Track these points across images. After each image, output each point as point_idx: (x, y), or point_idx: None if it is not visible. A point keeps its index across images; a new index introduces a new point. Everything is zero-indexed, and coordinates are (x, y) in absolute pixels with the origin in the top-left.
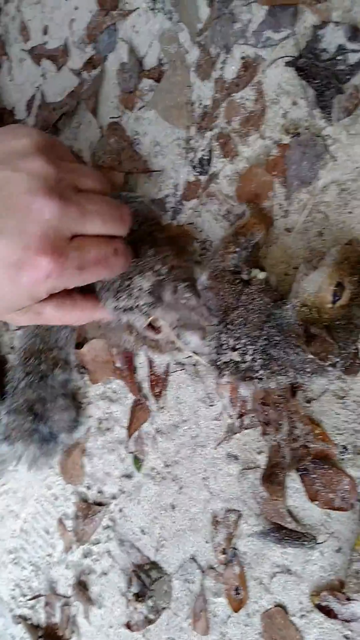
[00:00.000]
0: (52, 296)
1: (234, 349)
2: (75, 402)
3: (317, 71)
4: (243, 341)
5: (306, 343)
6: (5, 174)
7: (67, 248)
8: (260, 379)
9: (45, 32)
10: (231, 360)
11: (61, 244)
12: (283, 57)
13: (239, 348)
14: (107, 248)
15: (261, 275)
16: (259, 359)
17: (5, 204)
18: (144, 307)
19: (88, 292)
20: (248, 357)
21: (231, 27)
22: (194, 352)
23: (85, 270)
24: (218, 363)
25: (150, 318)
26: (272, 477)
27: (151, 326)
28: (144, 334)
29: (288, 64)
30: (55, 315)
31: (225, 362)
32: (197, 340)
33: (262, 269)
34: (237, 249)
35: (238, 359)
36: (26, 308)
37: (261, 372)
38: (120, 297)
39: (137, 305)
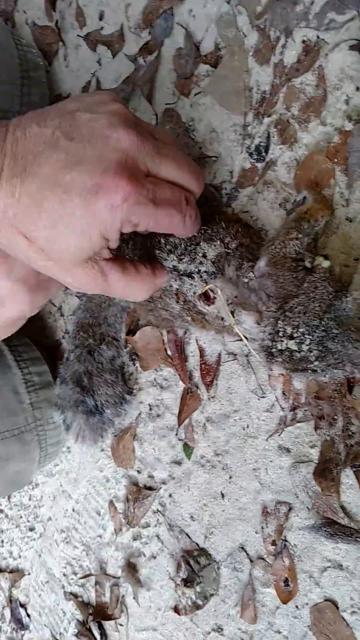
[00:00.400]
0: (117, 260)
1: (291, 337)
2: (123, 379)
3: None
4: (301, 330)
5: None
6: (88, 116)
7: (144, 179)
8: (315, 370)
9: (101, 17)
10: (287, 348)
11: (138, 173)
12: (347, 40)
13: (297, 337)
14: (181, 194)
15: (325, 263)
16: (315, 349)
17: (87, 138)
18: (204, 274)
19: (150, 264)
20: (305, 347)
21: (292, 10)
22: (244, 336)
23: (160, 207)
24: (272, 350)
25: (208, 286)
26: (325, 473)
27: (204, 296)
28: (193, 303)
29: (352, 47)
30: (119, 282)
31: (280, 350)
32: (252, 323)
33: (326, 258)
34: (300, 235)
35: (295, 347)
36: (93, 263)
37: (316, 363)
38: (182, 259)
39: (198, 270)
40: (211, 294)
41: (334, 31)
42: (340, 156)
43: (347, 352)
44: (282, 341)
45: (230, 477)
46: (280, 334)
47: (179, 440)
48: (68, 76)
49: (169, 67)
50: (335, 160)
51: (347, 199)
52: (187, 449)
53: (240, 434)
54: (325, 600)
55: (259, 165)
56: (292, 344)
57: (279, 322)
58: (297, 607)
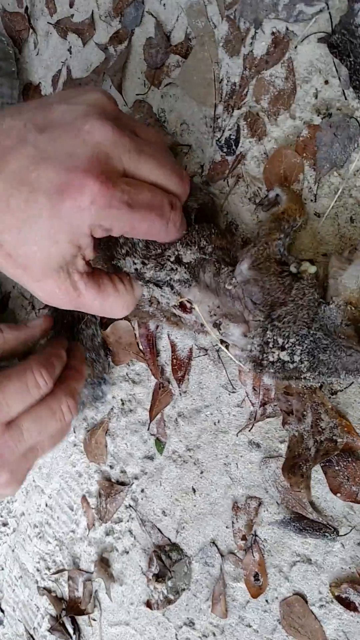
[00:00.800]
0: (94, 274)
1: (282, 348)
2: (102, 358)
3: (351, 48)
4: (292, 340)
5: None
6: (65, 107)
7: (118, 178)
8: (307, 379)
9: (71, 4)
10: (279, 359)
11: (111, 171)
12: (316, 32)
13: (288, 347)
14: (164, 198)
15: (312, 269)
16: (307, 360)
17: (59, 130)
18: (176, 284)
19: (129, 277)
20: (296, 357)
21: (262, 0)
22: (227, 346)
23: (137, 211)
24: (263, 362)
25: (183, 299)
26: (294, 469)
27: (181, 305)
28: (169, 309)
29: (320, 40)
30: (95, 301)
31: (271, 362)
32: (239, 335)
33: (312, 263)
34: (282, 236)
35: (287, 358)
36: (65, 275)
37: (308, 374)
38: (146, 264)
39: (169, 279)
40: (187, 304)
41: (303, 23)
42: (308, 150)
43: (341, 360)
44: (273, 352)
45: (202, 472)
46: (271, 344)
47: (151, 435)
48: (38, 65)
49: (139, 56)
50: (304, 154)
51: (315, 194)
52: (159, 444)
53: (212, 429)
54: (295, 594)
55: (229, 158)
56: (284, 355)
57: (268, 332)
58: (267, 601)
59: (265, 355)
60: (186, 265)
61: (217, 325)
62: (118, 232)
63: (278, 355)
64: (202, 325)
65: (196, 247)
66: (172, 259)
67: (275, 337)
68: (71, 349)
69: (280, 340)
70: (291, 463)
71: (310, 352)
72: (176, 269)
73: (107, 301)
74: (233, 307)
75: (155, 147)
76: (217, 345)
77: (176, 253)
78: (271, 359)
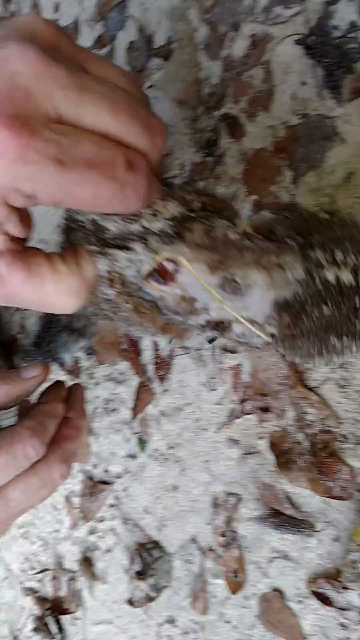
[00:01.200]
0: (21, 254)
1: (336, 263)
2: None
3: (327, 50)
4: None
5: None
6: None
7: (43, 126)
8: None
9: (56, 9)
10: (337, 279)
11: (31, 113)
12: (292, 34)
13: (351, 262)
14: (116, 151)
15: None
16: None
17: None
18: (153, 239)
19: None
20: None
21: (240, 4)
22: (249, 320)
23: (71, 169)
24: (313, 291)
25: (164, 255)
26: (289, 464)
27: (158, 272)
28: (137, 286)
29: (297, 42)
30: (25, 287)
31: (326, 285)
32: (264, 287)
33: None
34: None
35: (350, 277)
36: None
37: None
38: (115, 219)
39: (144, 233)
40: (170, 267)
41: (281, 25)
42: (286, 151)
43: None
44: (329, 270)
45: (183, 470)
46: (323, 261)
47: (134, 434)
48: None
49: (122, 60)
50: (282, 155)
51: (293, 194)
52: (142, 443)
53: (192, 426)
54: (273, 590)
55: (209, 159)
56: (344, 274)
57: (311, 253)
58: (246, 597)
59: (316, 278)
60: (168, 219)
61: (228, 283)
62: (48, 199)
63: (336, 273)
64: (191, 301)
65: (177, 202)
66: (148, 211)
67: (325, 256)
68: (71, 397)
69: (339, 255)
70: (284, 459)
71: None
72: (153, 220)
73: (43, 287)
74: (242, 258)
75: (113, 87)
76: (229, 313)
77: (156, 207)
78: (329, 277)
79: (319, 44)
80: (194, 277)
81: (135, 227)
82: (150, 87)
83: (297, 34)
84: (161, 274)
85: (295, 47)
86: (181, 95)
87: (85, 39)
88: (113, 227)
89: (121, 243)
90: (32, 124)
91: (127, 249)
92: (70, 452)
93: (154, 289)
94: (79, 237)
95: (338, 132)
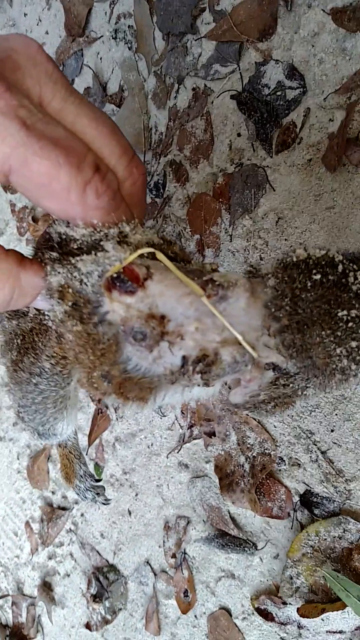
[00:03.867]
0: None
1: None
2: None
3: (257, 105)
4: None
5: None
6: None
7: (23, 96)
8: None
9: None
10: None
11: (15, 84)
12: (229, 90)
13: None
14: (86, 151)
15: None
16: None
17: None
18: (128, 242)
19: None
20: None
21: (184, 59)
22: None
23: (33, 135)
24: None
25: (141, 250)
26: (232, 486)
27: (127, 274)
28: (92, 300)
29: (232, 97)
30: None
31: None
32: (247, 307)
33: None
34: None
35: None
36: None
37: None
38: (84, 227)
39: (123, 237)
40: (141, 272)
41: (219, 81)
42: (224, 196)
43: None
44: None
45: (137, 495)
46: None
47: (90, 460)
48: None
49: None
50: (220, 199)
51: (230, 235)
52: (98, 468)
53: (146, 452)
54: (220, 608)
55: (158, 200)
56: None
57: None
58: (196, 616)
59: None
60: (148, 242)
61: (207, 285)
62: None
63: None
64: (162, 321)
65: (159, 238)
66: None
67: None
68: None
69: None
70: (227, 482)
71: None
72: (137, 232)
73: None
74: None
75: (100, 110)
76: (215, 313)
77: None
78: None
79: (251, 100)
80: (170, 268)
81: (112, 231)
82: None
83: (232, 90)
84: (130, 275)
85: (232, 101)
86: (132, 141)
87: None
88: (80, 234)
89: (91, 246)
90: (12, 86)
91: (97, 250)
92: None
93: (117, 301)
94: (44, 247)
95: (269, 180)
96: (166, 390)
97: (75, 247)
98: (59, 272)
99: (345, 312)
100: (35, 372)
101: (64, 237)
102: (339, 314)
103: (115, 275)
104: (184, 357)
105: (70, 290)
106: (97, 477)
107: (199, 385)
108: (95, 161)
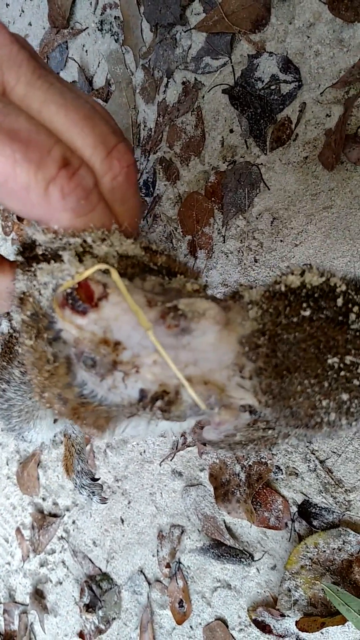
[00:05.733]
0: None
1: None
2: None
3: (251, 100)
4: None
5: None
6: None
7: None
8: None
9: None
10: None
11: None
12: (220, 84)
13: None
14: (52, 143)
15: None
16: None
17: None
18: (88, 255)
19: None
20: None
21: (173, 52)
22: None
23: None
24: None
25: (96, 267)
26: (227, 496)
27: (82, 292)
28: (50, 320)
29: (224, 91)
30: None
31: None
32: (216, 343)
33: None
34: None
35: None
36: None
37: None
38: (48, 231)
39: (84, 248)
40: (97, 289)
41: (210, 74)
42: (216, 195)
43: None
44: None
45: (129, 502)
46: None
47: None
48: None
49: None
50: (213, 198)
51: (223, 236)
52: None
53: (138, 459)
54: (217, 619)
55: (148, 199)
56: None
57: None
58: (191, 627)
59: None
60: (120, 254)
61: (168, 314)
62: None
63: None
64: (117, 348)
65: (140, 246)
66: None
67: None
68: None
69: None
70: (222, 491)
71: None
72: (106, 241)
73: None
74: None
75: (73, 91)
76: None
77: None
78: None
79: (244, 94)
80: (122, 294)
81: (75, 240)
82: None
83: (224, 84)
84: (82, 296)
85: (224, 96)
86: None
87: None
88: (42, 239)
89: (54, 254)
90: None
91: (55, 259)
92: None
93: (67, 321)
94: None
95: (263, 179)
96: (127, 421)
97: (40, 252)
98: (19, 279)
99: (336, 360)
100: (5, 378)
101: (32, 240)
102: (329, 361)
103: (68, 291)
104: (142, 390)
105: (30, 299)
106: (95, 477)
107: (167, 420)
108: (63, 155)
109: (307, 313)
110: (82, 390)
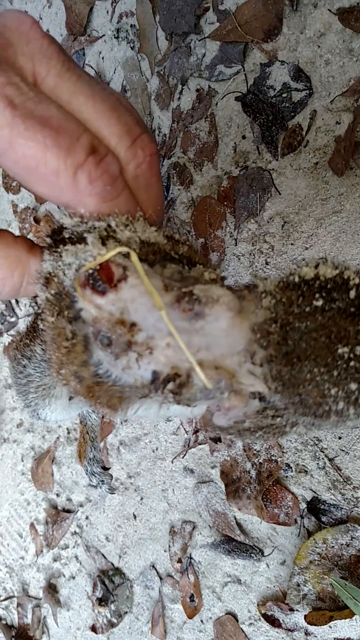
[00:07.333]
0: None
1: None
2: None
3: (263, 107)
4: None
5: None
6: None
7: (14, 73)
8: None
9: None
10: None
11: (7, 62)
12: (233, 92)
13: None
14: (81, 131)
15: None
16: None
17: None
18: (112, 239)
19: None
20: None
21: (187, 60)
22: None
23: (19, 115)
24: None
25: (117, 249)
26: (238, 492)
27: (101, 273)
28: (72, 300)
29: (237, 99)
30: None
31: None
32: (228, 329)
33: None
34: None
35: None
36: None
37: None
38: (73, 215)
39: (108, 231)
40: (117, 271)
41: (223, 82)
42: (229, 199)
43: None
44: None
45: (142, 499)
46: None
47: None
48: None
49: None
50: (225, 203)
51: (235, 239)
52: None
53: (150, 456)
54: (227, 613)
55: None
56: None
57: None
58: (202, 621)
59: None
60: (143, 240)
61: (183, 298)
62: None
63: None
64: (132, 329)
65: (164, 234)
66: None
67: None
68: None
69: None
70: (233, 488)
71: None
72: (130, 227)
73: None
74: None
75: (100, 84)
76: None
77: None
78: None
79: (256, 102)
80: (140, 276)
81: (99, 224)
82: None
83: (237, 91)
84: (103, 277)
85: (237, 103)
86: None
87: None
88: (69, 223)
89: (79, 237)
90: (1, 63)
91: (80, 241)
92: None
93: (87, 300)
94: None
95: (275, 184)
96: (139, 403)
97: (67, 236)
98: (47, 260)
99: (346, 350)
100: (27, 355)
101: (60, 224)
102: (339, 351)
103: (90, 272)
104: (154, 372)
105: (55, 279)
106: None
107: (178, 403)
108: (91, 143)
109: (320, 303)
110: (98, 369)
